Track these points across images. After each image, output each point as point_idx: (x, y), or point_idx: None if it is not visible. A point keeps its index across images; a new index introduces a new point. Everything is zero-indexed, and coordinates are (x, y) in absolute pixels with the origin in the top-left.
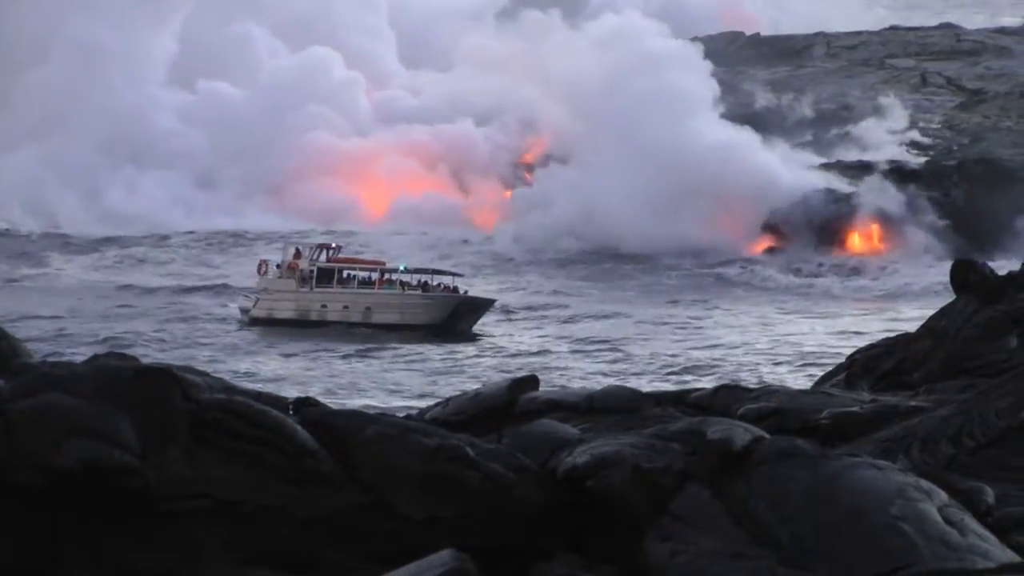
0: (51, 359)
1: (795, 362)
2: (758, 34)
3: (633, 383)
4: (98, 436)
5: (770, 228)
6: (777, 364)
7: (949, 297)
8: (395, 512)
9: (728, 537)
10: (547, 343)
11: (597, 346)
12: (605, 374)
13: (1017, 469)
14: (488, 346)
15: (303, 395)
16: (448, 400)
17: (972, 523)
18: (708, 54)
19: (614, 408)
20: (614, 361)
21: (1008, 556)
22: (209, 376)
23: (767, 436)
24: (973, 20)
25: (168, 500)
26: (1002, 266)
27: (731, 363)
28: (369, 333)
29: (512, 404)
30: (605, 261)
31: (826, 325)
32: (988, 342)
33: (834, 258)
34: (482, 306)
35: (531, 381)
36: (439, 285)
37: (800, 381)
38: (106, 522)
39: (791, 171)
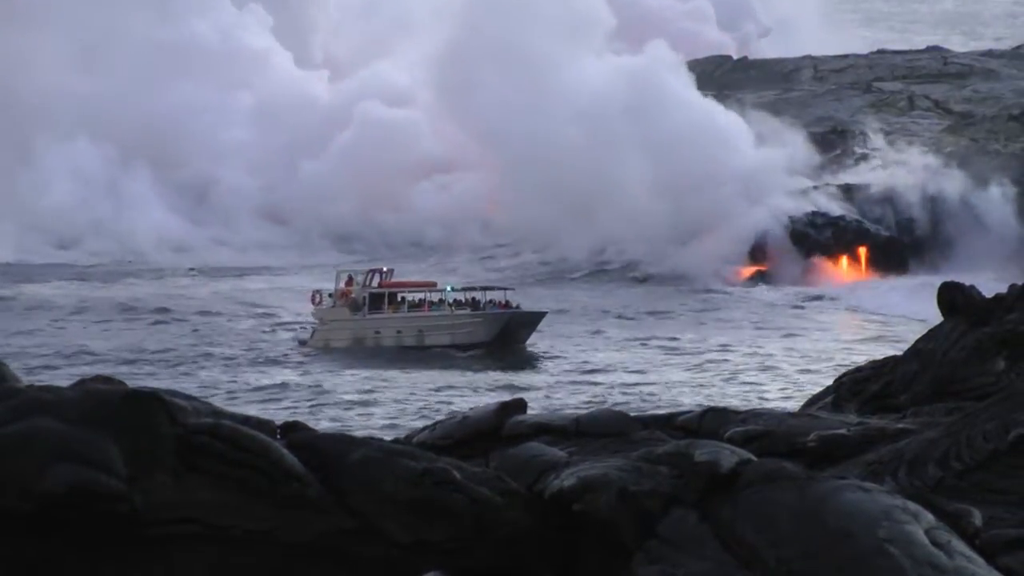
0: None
1: (783, 385)
2: (745, 58)
3: (619, 406)
4: (85, 461)
5: (757, 251)
6: (764, 386)
7: (937, 319)
8: (382, 536)
9: (715, 560)
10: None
11: (588, 371)
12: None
13: (1004, 492)
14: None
15: (292, 420)
16: (436, 424)
17: (960, 545)
18: (696, 78)
19: (601, 431)
20: (600, 384)
21: None
22: (197, 400)
23: (754, 458)
24: (960, 43)
25: (155, 524)
26: (990, 288)
27: (718, 385)
28: (421, 357)
29: (499, 427)
30: (588, 279)
31: (813, 347)
32: (975, 365)
33: (822, 281)
34: (534, 320)
35: (518, 404)
36: (490, 302)
37: (788, 404)
38: (93, 547)
39: (778, 194)
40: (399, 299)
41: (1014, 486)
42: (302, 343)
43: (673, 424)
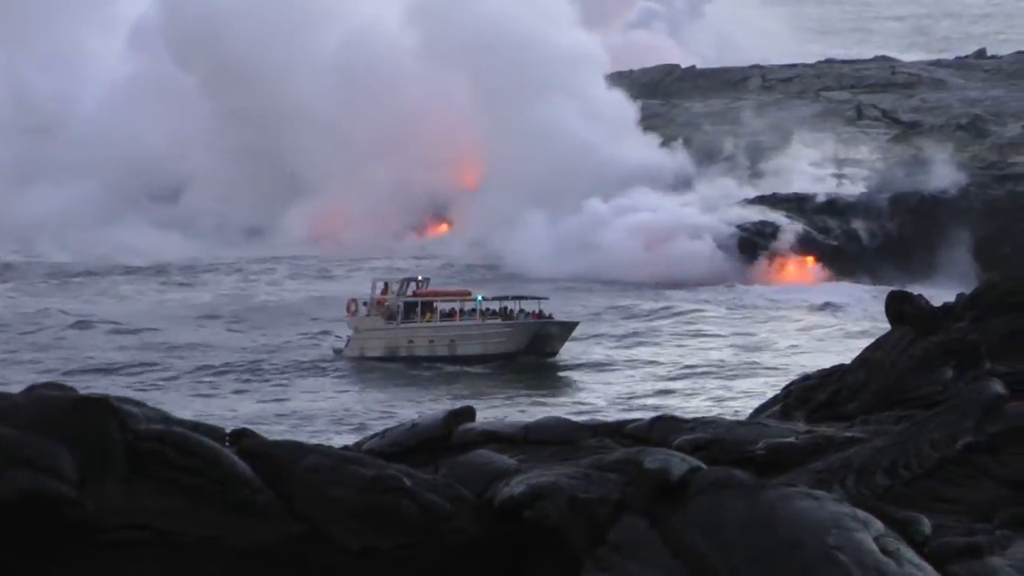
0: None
1: (733, 394)
2: (694, 67)
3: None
4: (35, 466)
5: (704, 260)
6: (716, 397)
7: (885, 329)
8: (332, 543)
9: (665, 568)
10: None
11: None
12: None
13: (952, 500)
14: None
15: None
16: (384, 432)
17: (908, 553)
18: (644, 86)
19: (550, 439)
20: (553, 392)
21: None
22: (146, 406)
23: (704, 466)
24: (908, 53)
25: (105, 530)
26: (937, 297)
27: (669, 396)
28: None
29: (448, 435)
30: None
31: (762, 358)
32: (923, 374)
33: (769, 290)
34: (565, 330)
35: (467, 412)
36: (521, 311)
37: (736, 413)
38: (44, 553)
39: (726, 203)
40: (433, 307)
41: (962, 494)
42: (337, 352)
43: (622, 432)
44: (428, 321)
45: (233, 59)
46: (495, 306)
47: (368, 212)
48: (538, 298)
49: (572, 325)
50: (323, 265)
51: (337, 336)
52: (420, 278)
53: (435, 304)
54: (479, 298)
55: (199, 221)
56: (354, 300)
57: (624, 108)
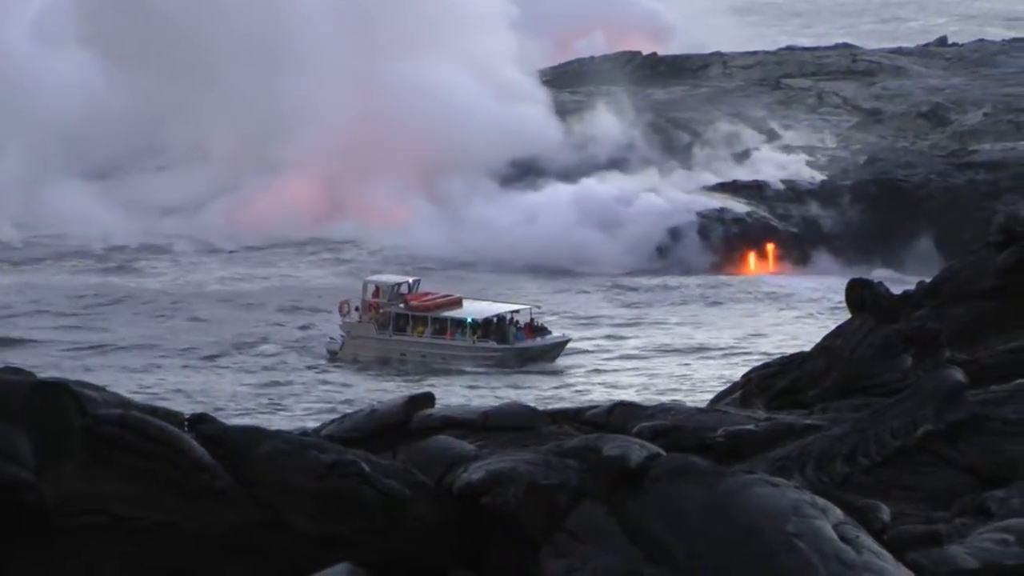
0: None
1: (693, 382)
2: (655, 54)
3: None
4: None
5: (665, 249)
6: (673, 385)
7: (845, 316)
8: (291, 528)
9: (623, 555)
10: None
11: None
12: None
13: (911, 488)
14: None
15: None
16: (344, 417)
17: (867, 540)
18: (604, 74)
19: (509, 425)
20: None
21: (903, 574)
22: (105, 391)
23: (663, 453)
24: (869, 41)
25: (64, 516)
26: (897, 284)
27: (629, 385)
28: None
29: (407, 421)
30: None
31: (722, 345)
32: (883, 361)
33: (730, 278)
34: (557, 346)
35: (426, 398)
36: (514, 323)
37: (696, 400)
38: (3, 539)
39: (686, 191)
40: (425, 321)
41: (921, 482)
42: (332, 354)
43: (581, 418)
44: (420, 335)
45: (150, 35)
46: (488, 310)
47: (290, 190)
48: (531, 306)
49: (564, 342)
50: (265, 248)
51: (331, 338)
52: (411, 280)
53: (427, 316)
54: (469, 320)
55: (129, 200)
56: (346, 302)
57: (528, 77)
